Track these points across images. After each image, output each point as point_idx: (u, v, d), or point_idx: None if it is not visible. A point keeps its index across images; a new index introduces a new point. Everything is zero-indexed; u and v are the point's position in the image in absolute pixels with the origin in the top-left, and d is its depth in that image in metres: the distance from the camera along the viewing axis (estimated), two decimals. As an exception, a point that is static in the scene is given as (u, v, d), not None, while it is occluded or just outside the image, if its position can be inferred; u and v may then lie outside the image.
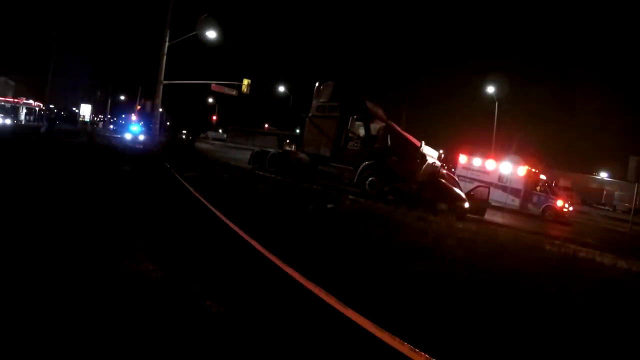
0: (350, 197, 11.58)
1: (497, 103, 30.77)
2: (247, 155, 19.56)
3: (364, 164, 14.04)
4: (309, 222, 6.78)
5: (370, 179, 13.76)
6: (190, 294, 3.19)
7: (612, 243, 11.83)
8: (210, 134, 67.45)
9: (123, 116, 52.88)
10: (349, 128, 14.99)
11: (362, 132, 14.84)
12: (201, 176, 10.88)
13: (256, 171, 16.18)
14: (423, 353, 2.68)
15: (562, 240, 10.00)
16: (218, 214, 6.36)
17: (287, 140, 19.85)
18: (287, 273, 3.99)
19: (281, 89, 51.20)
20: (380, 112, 15.92)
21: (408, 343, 2.76)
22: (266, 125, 67.71)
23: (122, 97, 64.74)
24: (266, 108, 70.74)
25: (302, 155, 16.52)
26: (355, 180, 14.12)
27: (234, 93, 26.00)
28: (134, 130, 28.83)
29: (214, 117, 74.60)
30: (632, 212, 15.43)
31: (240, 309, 3.08)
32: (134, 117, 33.65)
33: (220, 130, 73.69)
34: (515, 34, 78.21)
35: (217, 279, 3.66)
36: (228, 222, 5.87)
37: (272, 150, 17.89)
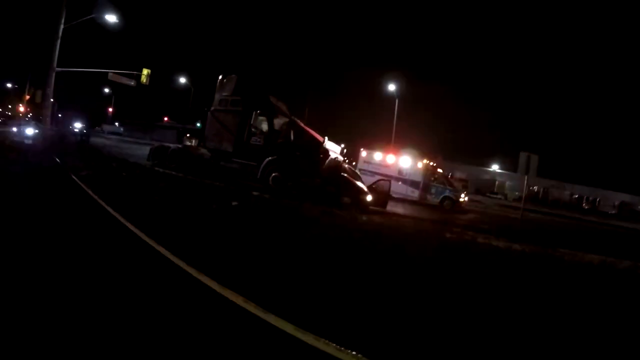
0: (255, 193, 11.53)
1: (397, 100, 32.33)
2: (145, 150, 18.53)
3: (268, 159, 13.97)
4: (214, 221, 6.65)
5: (273, 174, 13.74)
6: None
7: (505, 228, 13.04)
8: (106, 127, 62.28)
9: (9, 107, 46.55)
10: (251, 123, 14.76)
11: (265, 127, 14.70)
12: (97, 175, 10.10)
13: (156, 168, 15.43)
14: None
15: (461, 227, 11.00)
16: (118, 216, 5.96)
17: (188, 135, 19.02)
18: (199, 280, 3.88)
19: (182, 80, 48.80)
20: (283, 107, 15.94)
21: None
22: (166, 119, 64.24)
23: (9, 85, 56.52)
24: (166, 100, 67.40)
25: (204, 151, 16.01)
26: (258, 176, 13.99)
27: (132, 83, 24.10)
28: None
29: (110, 109, 68.27)
30: (522, 200, 17.63)
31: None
32: (22, 108, 29.64)
33: (116, 124, 68.33)
34: (413, 34, 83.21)
35: (123, 288, 3.43)
36: (129, 225, 5.52)
37: (172, 146, 17.11)
